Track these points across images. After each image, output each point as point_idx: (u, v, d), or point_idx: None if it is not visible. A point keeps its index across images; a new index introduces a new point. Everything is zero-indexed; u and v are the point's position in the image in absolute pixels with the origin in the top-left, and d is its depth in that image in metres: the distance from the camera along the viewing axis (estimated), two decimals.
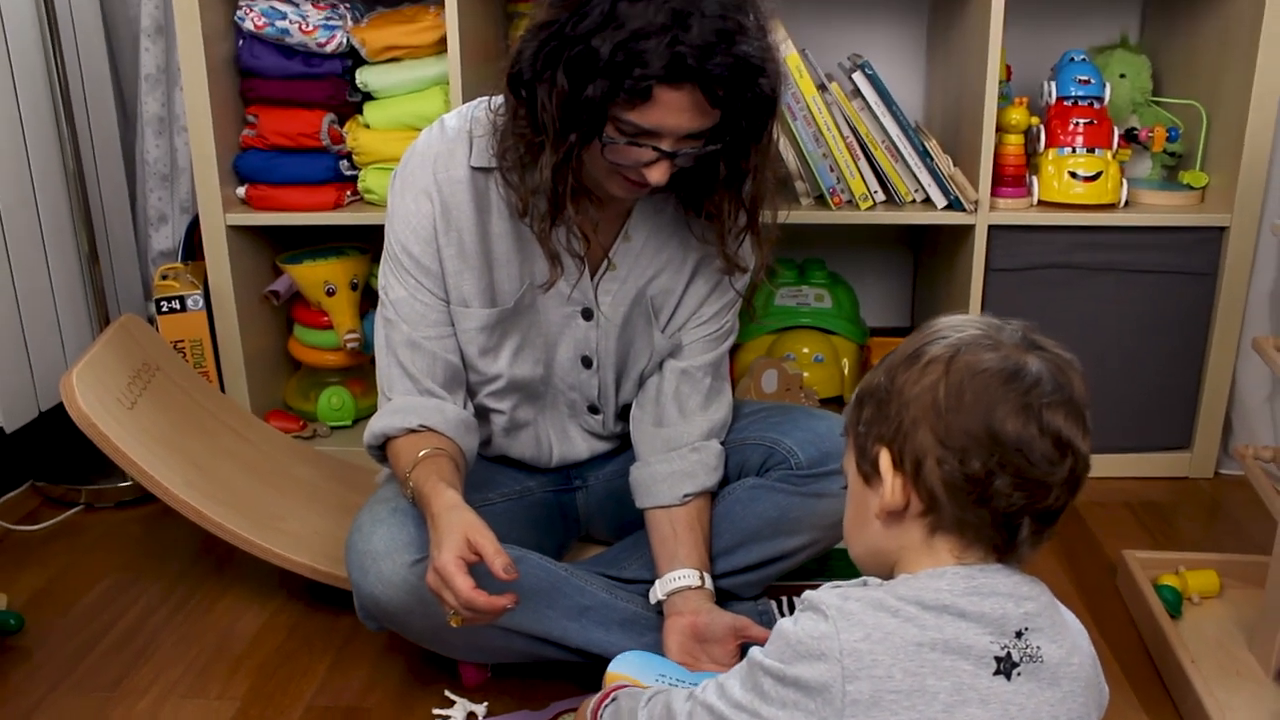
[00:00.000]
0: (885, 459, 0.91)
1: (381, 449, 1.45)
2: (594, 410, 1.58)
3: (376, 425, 1.44)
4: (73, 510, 2.01)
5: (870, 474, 0.94)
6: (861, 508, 0.96)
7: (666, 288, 1.50)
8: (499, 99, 1.34)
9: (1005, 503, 0.88)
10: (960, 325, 0.94)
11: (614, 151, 1.26)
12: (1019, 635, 0.89)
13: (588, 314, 1.49)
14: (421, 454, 1.37)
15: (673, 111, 1.21)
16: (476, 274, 1.43)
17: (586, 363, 1.53)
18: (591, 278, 1.47)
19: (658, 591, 1.47)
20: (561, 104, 1.23)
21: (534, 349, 1.50)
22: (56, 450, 2.08)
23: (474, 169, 1.39)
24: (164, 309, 2.09)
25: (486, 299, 1.44)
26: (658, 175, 1.27)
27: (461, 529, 1.26)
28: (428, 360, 1.45)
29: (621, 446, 1.65)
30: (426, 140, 1.42)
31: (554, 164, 1.27)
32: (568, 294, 1.46)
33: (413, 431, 1.41)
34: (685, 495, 1.49)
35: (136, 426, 1.68)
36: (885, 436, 0.91)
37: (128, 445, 1.62)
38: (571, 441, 1.61)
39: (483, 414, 1.55)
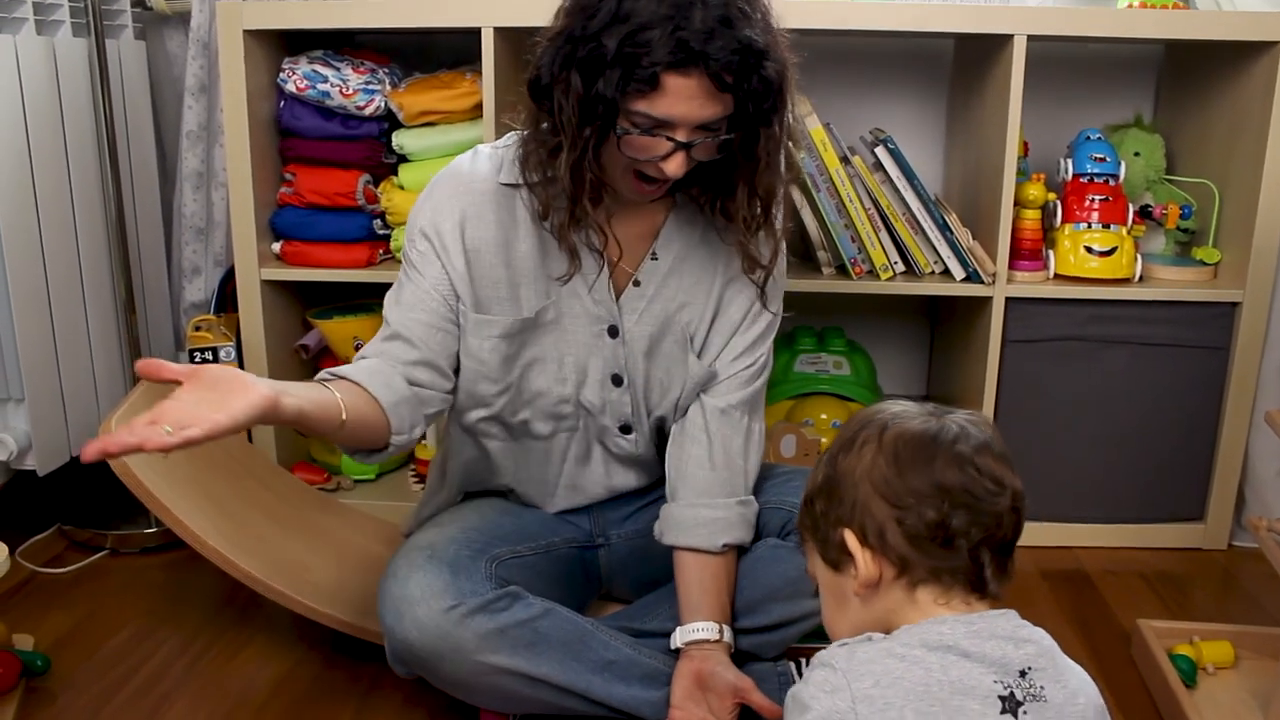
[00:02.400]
0: (850, 538, 0.99)
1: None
2: (626, 429, 1.60)
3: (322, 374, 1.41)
4: (98, 555, 2.03)
5: (839, 559, 1.01)
6: (838, 595, 1.03)
7: (698, 313, 1.54)
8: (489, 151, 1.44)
9: (966, 540, 0.96)
10: (877, 410, 1.04)
11: (630, 144, 1.31)
12: (1022, 675, 0.93)
13: (613, 331, 1.52)
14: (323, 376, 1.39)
15: (682, 99, 1.26)
16: (498, 283, 1.47)
17: (617, 381, 1.55)
18: (617, 296, 1.51)
19: (676, 639, 1.49)
20: (577, 102, 1.28)
21: (560, 365, 1.52)
22: (84, 494, 2.11)
23: (501, 184, 1.46)
24: (196, 359, 2.13)
25: (508, 308, 1.48)
26: (674, 167, 1.32)
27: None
28: (429, 342, 1.47)
29: (644, 503, 1.68)
30: (458, 161, 1.51)
31: (572, 161, 1.33)
32: (595, 311, 1.50)
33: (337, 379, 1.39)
34: (724, 545, 1.51)
35: (170, 474, 1.71)
36: (844, 519, 0.99)
37: (161, 492, 1.64)
38: (590, 466, 1.63)
39: (494, 430, 1.58)
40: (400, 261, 2.10)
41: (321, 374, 1.41)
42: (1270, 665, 1.64)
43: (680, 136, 1.30)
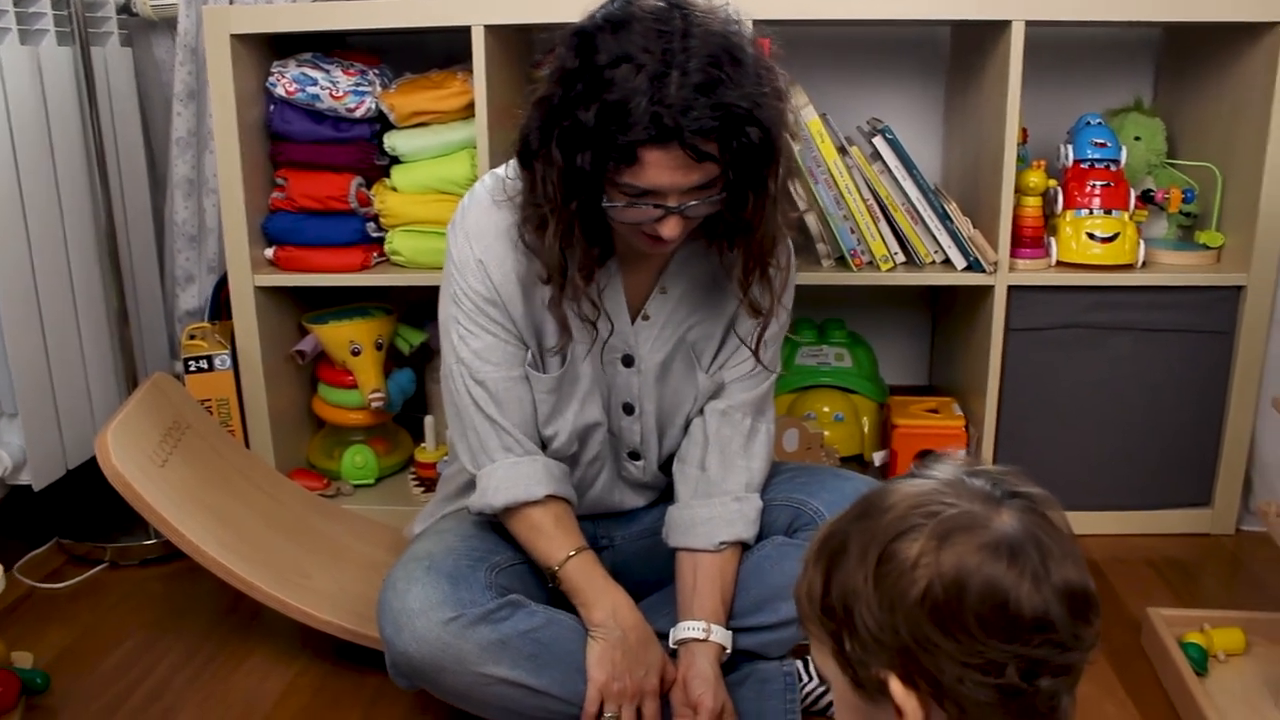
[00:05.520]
0: (896, 685, 0.80)
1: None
2: (635, 456, 1.59)
3: (497, 498, 1.46)
4: (97, 568, 2.02)
5: (872, 693, 0.82)
6: (861, 714, 0.85)
7: (706, 333, 1.52)
8: (514, 168, 1.39)
9: (1047, 702, 0.79)
10: (922, 500, 0.82)
11: (619, 214, 1.29)
12: None
13: (628, 361, 1.51)
14: (570, 554, 1.46)
15: (664, 170, 1.23)
16: (543, 333, 1.46)
17: (628, 409, 1.54)
18: (629, 327, 1.49)
19: (670, 640, 1.48)
20: (560, 176, 1.26)
21: (594, 394, 1.51)
22: (81, 507, 2.10)
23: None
24: (192, 368, 2.11)
25: (551, 360, 1.47)
26: (669, 231, 1.29)
27: (662, 662, 1.46)
28: (518, 410, 1.47)
29: (652, 502, 1.66)
30: (482, 191, 1.45)
31: (559, 233, 1.30)
32: (607, 343, 1.48)
33: (537, 502, 1.46)
34: (721, 542, 1.50)
35: (168, 484, 1.70)
36: (887, 661, 0.80)
37: (160, 503, 1.63)
38: (595, 487, 1.62)
39: None
40: (394, 264, 2.11)
41: (556, 530, 1.48)
42: None
43: (670, 202, 1.27)
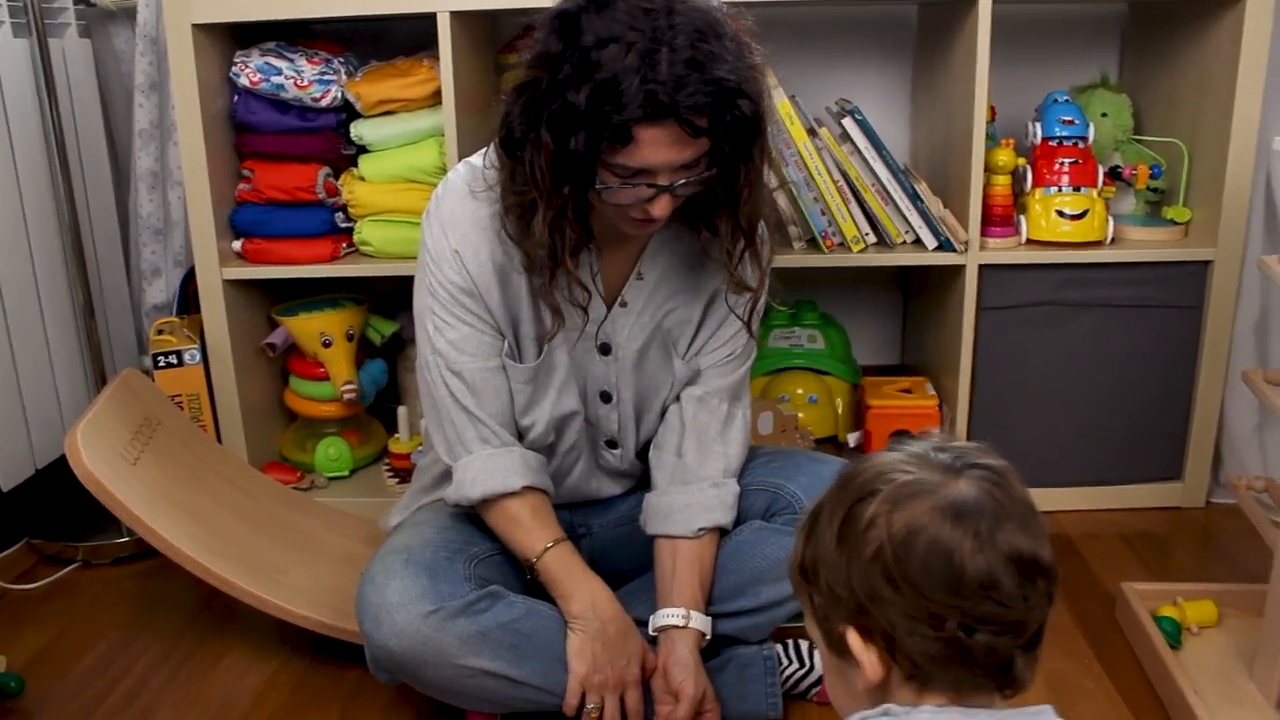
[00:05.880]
0: (854, 638, 0.86)
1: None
2: (612, 445, 1.59)
3: (474, 490, 1.46)
4: (69, 567, 2.00)
5: (841, 649, 0.88)
6: (844, 680, 0.91)
7: (684, 318, 1.52)
8: (493, 157, 1.37)
9: (990, 657, 0.83)
10: (885, 468, 0.88)
11: (611, 195, 1.28)
12: None
13: (605, 349, 1.50)
14: (548, 545, 1.46)
15: (658, 148, 1.23)
16: (519, 321, 1.45)
17: (605, 398, 1.54)
18: (606, 315, 1.49)
19: (650, 627, 1.49)
20: (550, 160, 1.25)
21: (569, 384, 1.51)
22: (52, 507, 2.08)
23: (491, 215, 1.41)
24: (161, 364, 2.09)
25: (528, 350, 1.47)
26: (660, 210, 1.29)
27: (643, 651, 1.46)
28: (495, 401, 1.46)
29: (628, 490, 1.66)
30: (457, 180, 1.44)
31: (550, 219, 1.29)
32: (584, 331, 1.47)
33: (514, 494, 1.45)
34: (699, 529, 1.50)
35: (140, 483, 1.68)
36: (846, 616, 0.86)
37: (133, 502, 1.62)
38: (573, 476, 1.61)
39: None
40: (363, 254, 2.09)
41: (534, 520, 1.48)
42: (1254, 622, 1.64)
43: (661, 180, 1.27)
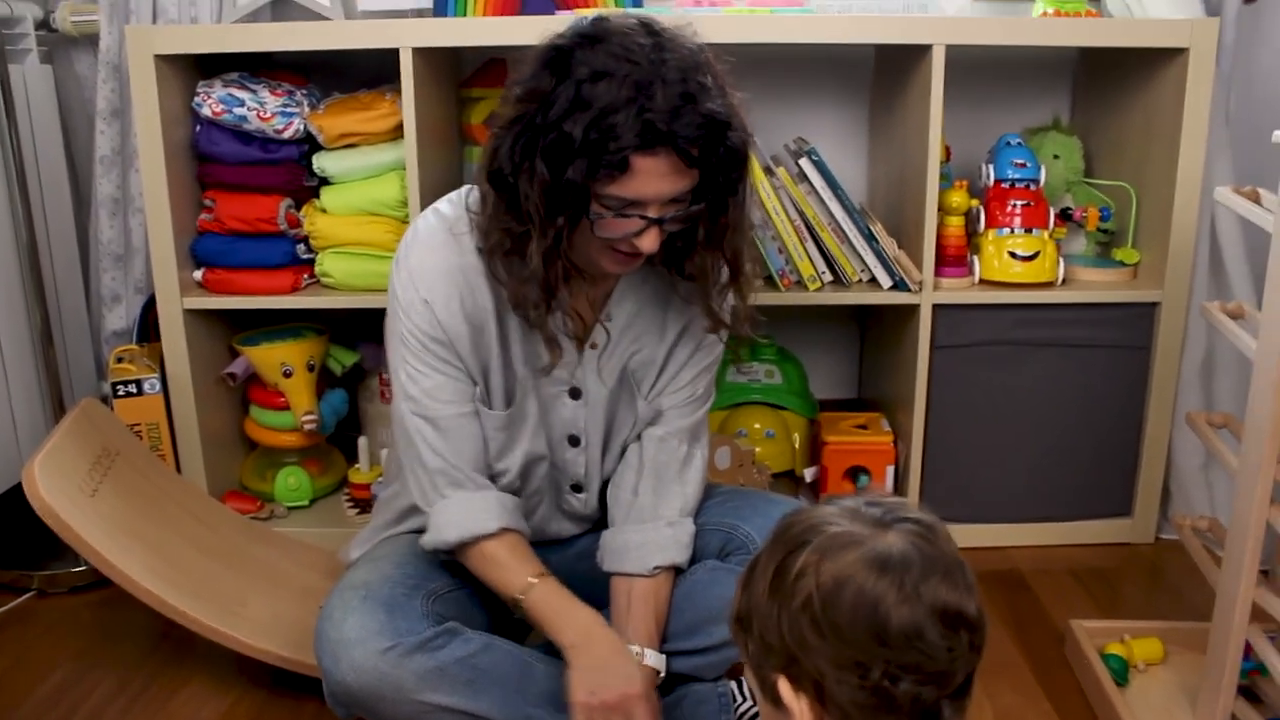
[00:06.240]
0: (785, 687, 0.88)
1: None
2: (577, 489, 1.60)
3: (450, 534, 1.45)
4: (24, 596, 1.98)
5: (775, 700, 0.90)
6: None
7: (648, 358, 1.53)
8: (475, 196, 1.38)
9: (916, 705, 0.85)
10: (817, 520, 0.91)
11: (602, 226, 1.30)
12: None
13: (575, 393, 1.52)
14: (532, 581, 1.44)
15: (652, 178, 1.25)
16: (489, 371, 1.46)
17: (574, 441, 1.55)
18: (576, 359, 1.50)
19: None
20: (544, 190, 1.26)
21: (539, 430, 1.52)
22: (8, 535, 2.06)
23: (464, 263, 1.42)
24: (120, 393, 2.08)
25: (497, 399, 1.47)
26: (648, 243, 1.31)
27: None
28: (470, 446, 1.46)
29: (582, 530, 1.67)
30: (425, 230, 1.44)
31: (544, 250, 1.30)
32: (555, 374, 1.48)
33: (491, 535, 1.45)
34: (655, 567, 1.51)
35: (98, 515, 1.67)
36: (777, 665, 0.89)
37: (90, 535, 1.61)
38: (544, 517, 1.62)
39: None
40: (324, 285, 2.09)
41: (514, 559, 1.47)
42: (1199, 659, 1.67)
43: (651, 213, 1.29)
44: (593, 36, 1.25)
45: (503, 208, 1.32)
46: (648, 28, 1.27)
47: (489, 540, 1.45)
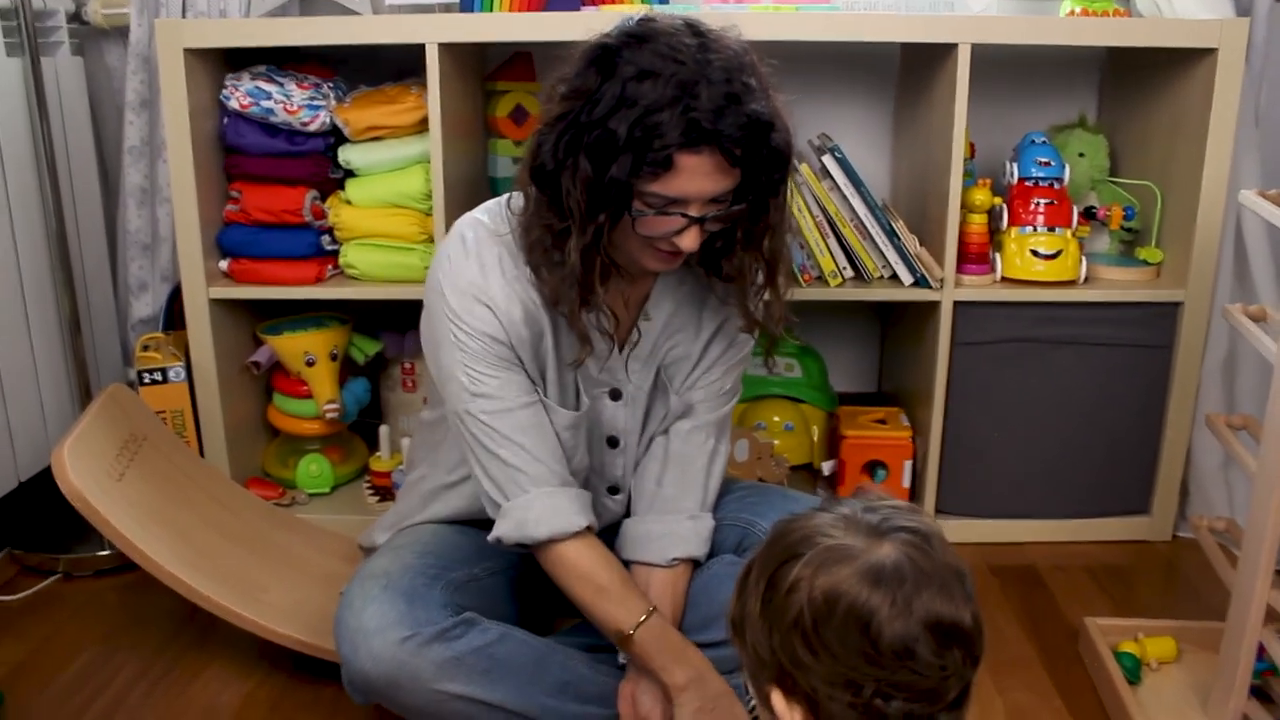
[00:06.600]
0: (778, 699, 0.88)
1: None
2: (614, 491, 1.60)
3: (539, 530, 1.42)
4: (51, 579, 2.01)
5: (770, 709, 0.90)
6: None
7: (683, 354, 1.54)
8: (516, 201, 1.39)
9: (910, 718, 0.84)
10: (811, 530, 0.89)
11: (644, 224, 1.30)
12: None
13: (615, 394, 1.53)
14: (641, 619, 1.42)
15: (696, 176, 1.26)
16: (547, 382, 1.46)
17: (612, 443, 1.56)
18: (614, 358, 1.51)
19: (620, 657, 1.50)
20: (587, 187, 1.27)
21: (582, 433, 1.52)
22: (35, 518, 2.09)
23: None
24: (146, 380, 2.11)
25: (558, 401, 1.47)
26: (689, 242, 1.31)
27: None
28: (548, 439, 1.45)
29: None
30: (472, 241, 1.43)
31: (583, 246, 1.31)
32: (596, 376, 1.50)
33: (577, 534, 1.44)
34: (673, 559, 1.52)
35: (125, 499, 1.70)
36: (771, 677, 0.89)
37: (117, 519, 1.64)
38: None
39: None
40: (348, 276, 2.11)
41: (636, 613, 1.44)
42: (1212, 659, 1.68)
43: (693, 212, 1.29)
44: (639, 36, 1.26)
45: (544, 205, 1.33)
46: (693, 28, 1.28)
47: (574, 540, 1.44)
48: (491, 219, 1.45)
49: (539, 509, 1.43)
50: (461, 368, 1.41)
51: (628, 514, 1.62)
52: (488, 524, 1.58)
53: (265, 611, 1.69)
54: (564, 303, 1.37)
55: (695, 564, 1.57)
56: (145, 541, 1.65)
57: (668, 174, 1.25)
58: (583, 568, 1.45)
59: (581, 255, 1.31)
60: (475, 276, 1.40)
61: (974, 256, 2.06)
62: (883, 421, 2.20)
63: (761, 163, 1.29)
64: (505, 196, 1.46)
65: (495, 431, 1.42)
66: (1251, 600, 1.43)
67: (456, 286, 1.41)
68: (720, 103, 1.22)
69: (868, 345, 2.61)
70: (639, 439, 1.57)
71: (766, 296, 1.46)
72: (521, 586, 1.63)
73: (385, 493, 2.22)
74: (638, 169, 1.25)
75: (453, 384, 1.43)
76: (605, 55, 1.26)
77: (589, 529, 1.46)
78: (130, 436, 1.85)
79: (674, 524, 1.54)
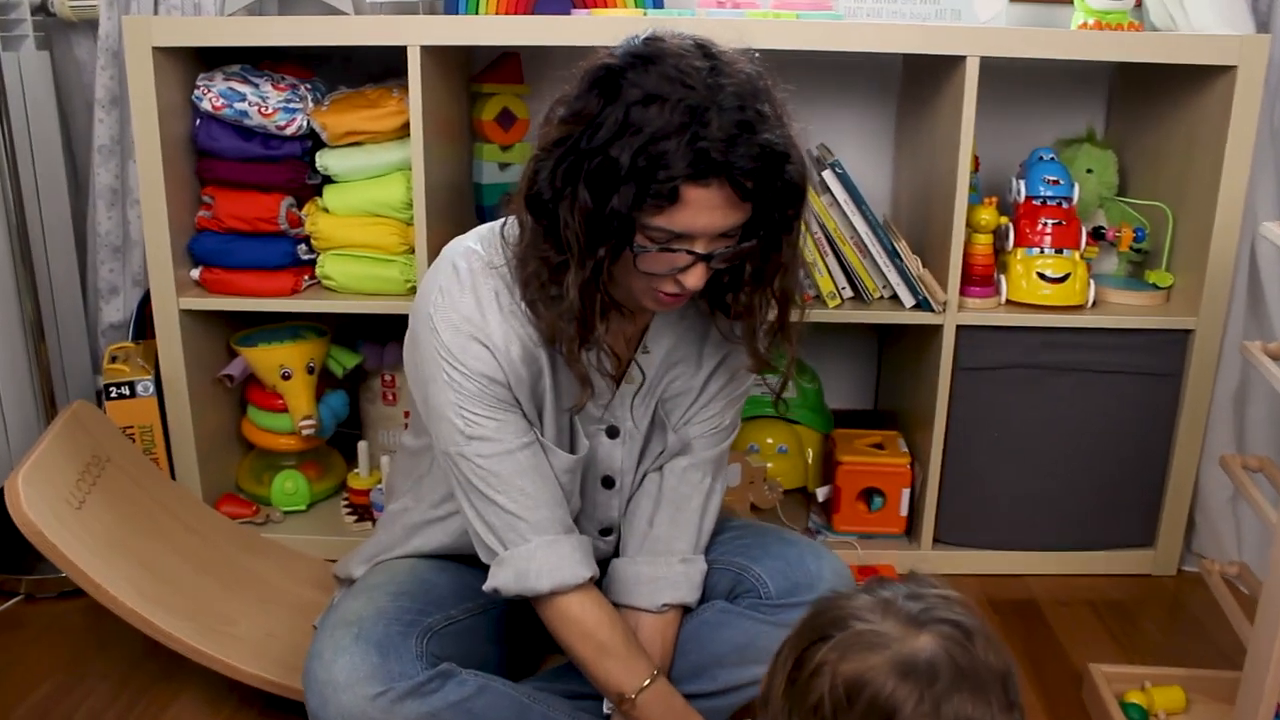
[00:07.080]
0: None
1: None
2: (606, 532, 1.53)
3: (542, 583, 1.35)
4: (12, 601, 1.94)
5: None
6: None
7: (682, 389, 1.46)
8: (511, 229, 1.31)
9: None
10: (846, 612, 0.85)
11: (646, 260, 1.22)
12: None
13: (613, 431, 1.45)
14: (645, 684, 1.36)
15: (703, 210, 1.18)
16: (544, 424, 1.39)
17: (608, 483, 1.49)
18: (612, 396, 1.43)
19: (605, 703, 1.44)
20: (586, 218, 1.19)
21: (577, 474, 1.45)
22: None
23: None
24: (113, 394, 2.02)
25: (554, 443, 1.40)
26: (694, 280, 1.23)
27: None
28: (549, 484, 1.37)
29: None
30: (466, 273, 1.34)
31: (581, 282, 1.23)
32: (596, 415, 1.42)
33: (580, 586, 1.37)
34: (664, 605, 1.46)
35: (84, 529, 1.62)
36: None
37: (75, 553, 1.56)
38: None
39: None
40: (325, 287, 2.03)
41: (640, 677, 1.38)
42: (1222, 709, 1.63)
43: (699, 248, 1.21)
44: (645, 57, 1.18)
45: (541, 236, 1.25)
46: (704, 50, 1.19)
47: (578, 592, 1.37)
48: (486, 248, 1.36)
49: (541, 559, 1.35)
50: (455, 409, 1.33)
51: (617, 553, 1.55)
52: (472, 558, 1.49)
53: (233, 648, 1.62)
54: (562, 341, 1.28)
55: (686, 609, 1.50)
56: (105, 576, 1.58)
57: (673, 207, 1.17)
58: (587, 624, 1.37)
59: (580, 291, 1.23)
60: (471, 312, 1.31)
61: (978, 278, 1.98)
62: (880, 446, 2.13)
63: (774, 197, 1.20)
64: (499, 223, 1.37)
65: (492, 476, 1.34)
66: (1270, 662, 1.36)
67: (450, 322, 1.32)
68: (732, 131, 1.14)
69: (865, 362, 2.54)
70: (634, 478, 1.50)
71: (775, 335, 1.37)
72: (508, 624, 1.56)
73: (363, 512, 2.15)
74: (641, 201, 1.16)
75: (444, 424, 1.35)
76: (608, 77, 1.18)
77: (592, 579, 1.39)
78: (93, 459, 1.77)
79: (665, 567, 1.47)
